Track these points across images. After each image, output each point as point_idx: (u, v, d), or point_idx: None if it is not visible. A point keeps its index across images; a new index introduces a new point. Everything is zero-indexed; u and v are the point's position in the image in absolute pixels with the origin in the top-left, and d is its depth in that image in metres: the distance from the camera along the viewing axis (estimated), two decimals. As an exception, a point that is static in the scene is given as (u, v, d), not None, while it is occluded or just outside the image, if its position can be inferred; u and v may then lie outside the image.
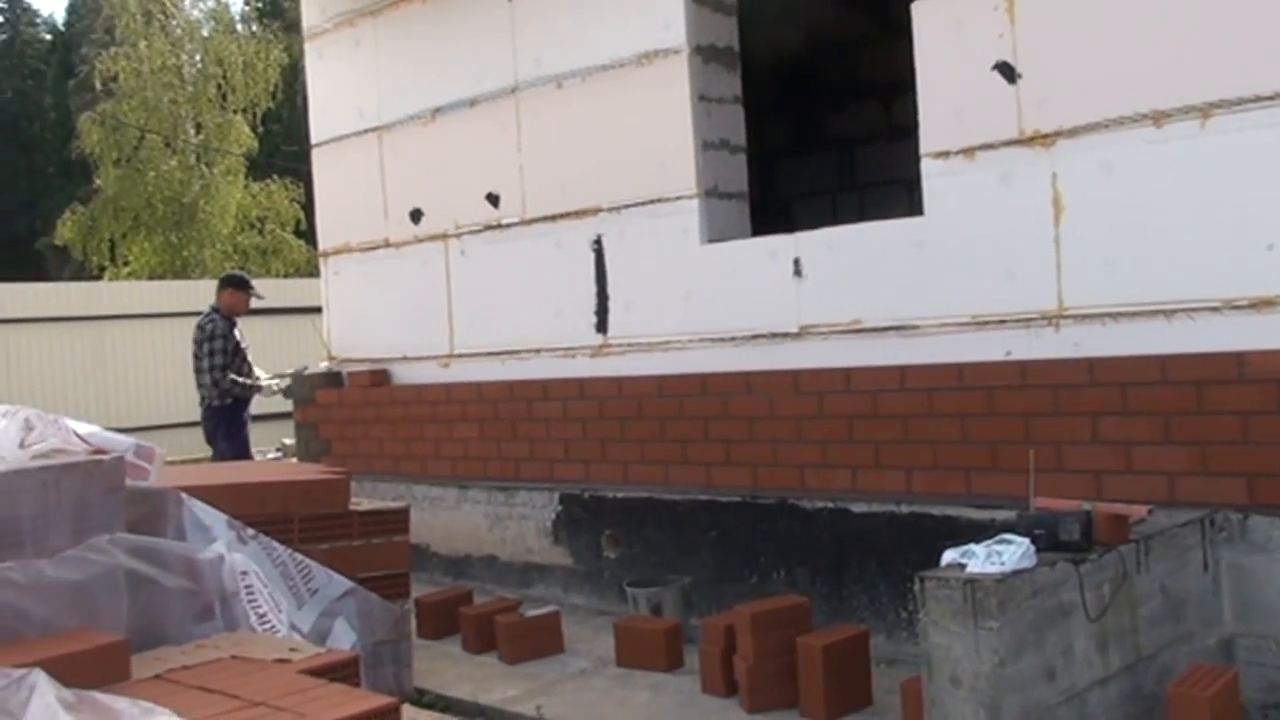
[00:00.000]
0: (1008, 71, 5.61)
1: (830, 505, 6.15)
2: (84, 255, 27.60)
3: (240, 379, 9.07)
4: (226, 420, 9.04)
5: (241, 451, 9.02)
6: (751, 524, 6.49)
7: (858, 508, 6.03)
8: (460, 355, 8.43)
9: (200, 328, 9.02)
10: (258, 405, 9.46)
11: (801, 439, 6.34)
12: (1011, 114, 5.61)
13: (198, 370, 8.99)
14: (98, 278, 27.08)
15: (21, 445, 3.85)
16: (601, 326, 7.47)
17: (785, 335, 6.53)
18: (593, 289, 7.55)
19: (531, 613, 6.58)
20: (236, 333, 9.21)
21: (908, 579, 5.16)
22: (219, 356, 8.94)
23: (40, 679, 3.01)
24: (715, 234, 6.96)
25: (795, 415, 6.38)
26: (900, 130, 8.26)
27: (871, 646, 5.43)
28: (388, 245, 8.90)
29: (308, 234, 27.33)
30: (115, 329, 15.84)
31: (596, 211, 7.46)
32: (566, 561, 7.50)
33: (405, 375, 8.82)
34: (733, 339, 6.76)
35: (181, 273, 26.45)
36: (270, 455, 9.94)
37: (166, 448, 12.07)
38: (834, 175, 9.66)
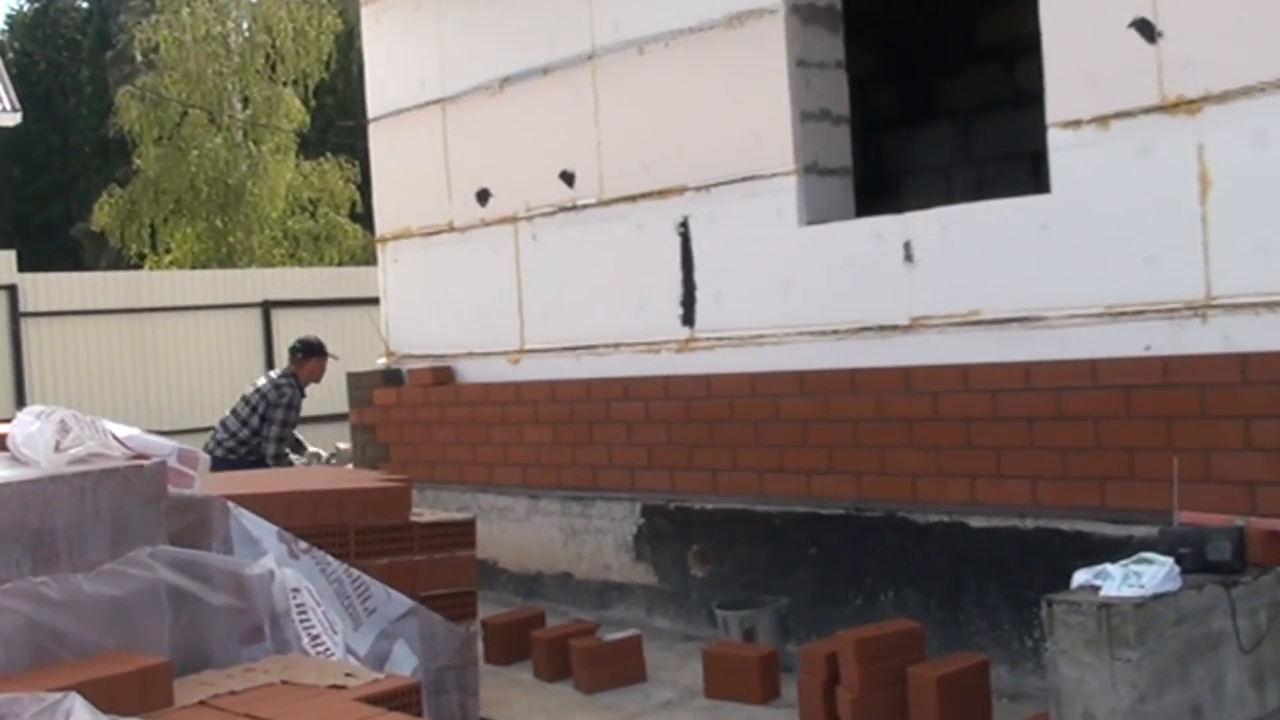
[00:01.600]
0: (1147, 29, 5.55)
1: (945, 519, 6.14)
2: (122, 242, 27.78)
3: (288, 451, 9.22)
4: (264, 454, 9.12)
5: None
6: (856, 539, 6.50)
7: (976, 522, 6.02)
8: (532, 351, 8.52)
9: (277, 389, 9.14)
10: (308, 406, 9.55)
11: (913, 444, 6.35)
12: (1151, 77, 5.56)
13: (252, 429, 9.05)
14: (137, 267, 27.31)
15: (57, 449, 3.89)
16: (688, 318, 7.54)
17: (894, 328, 6.53)
18: (678, 277, 7.59)
19: (610, 636, 6.58)
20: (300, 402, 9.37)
21: (1033, 603, 5.09)
22: (286, 429, 9.10)
23: (76, 704, 3.05)
24: (815, 215, 6.95)
25: (906, 418, 6.39)
26: (1024, 97, 8.16)
27: (992, 678, 5.36)
28: (452, 229, 8.99)
29: (364, 217, 27.12)
30: (156, 322, 15.99)
31: (682, 191, 7.51)
32: (649, 580, 7.58)
33: (471, 373, 8.89)
34: (835, 332, 6.77)
35: (227, 261, 26.67)
36: (323, 460, 9.63)
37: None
38: (948, 148, 9.58)
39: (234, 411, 9.22)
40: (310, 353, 9.40)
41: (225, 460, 8.88)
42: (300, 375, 9.29)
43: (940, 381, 6.26)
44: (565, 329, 8.32)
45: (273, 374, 9.46)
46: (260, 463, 8.93)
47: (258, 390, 9.21)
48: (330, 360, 9.51)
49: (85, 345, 15.43)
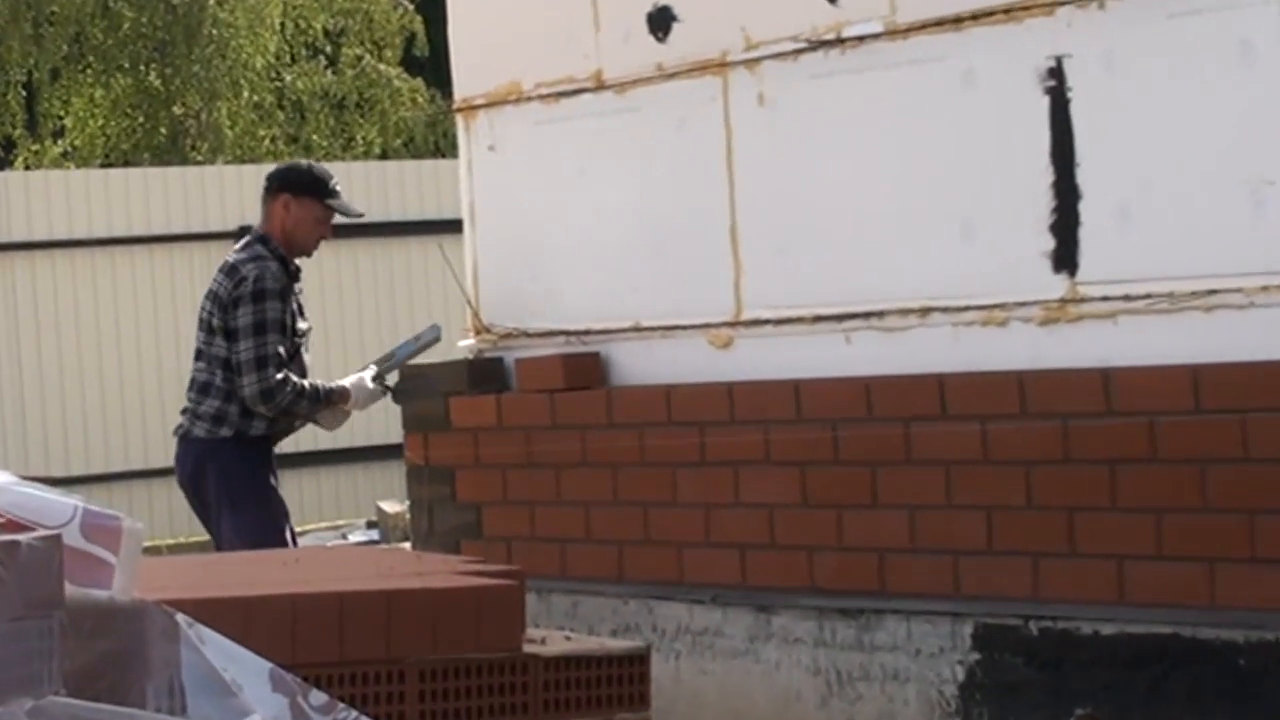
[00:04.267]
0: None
1: None
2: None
3: (308, 387, 8.65)
4: (237, 466, 8.59)
5: (269, 527, 8.61)
6: None
7: None
8: (756, 322, 8.00)
9: (234, 277, 8.50)
10: (304, 438, 9.03)
11: None
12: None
13: (209, 365, 8.58)
14: (3, 163, 25.61)
15: None
16: (1064, 258, 7.00)
17: None
18: (1044, 175, 7.09)
19: None
20: (296, 292, 8.80)
21: None
22: (272, 341, 8.56)
23: None
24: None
25: None
26: None
27: None
28: (600, 87, 8.51)
29: (430, 67, 26.17)
30: (35, 270, 15.81)
31: (1051, 6, 6.96)
32: (992, 775, 7.23)
33: (637, 366, 8.53)
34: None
35: (171, 151, 26.17)
36: (354, 537, 10.37)
37: (146, 517, 12.57)
38: None
39: (198, 353, 8.87)
40: (284, 185, 8.96)
41: (203, 443, 8.72)
42: (272, 231, 8.81)
43: None
44: (820, 278, 7.80)
45: (229, 257, 8.88)
46: (259, 440, 8.70)
47: (208, 296, 8.75)
48: (345, 216, 8.93)
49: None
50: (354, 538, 12.58)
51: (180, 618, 4.14)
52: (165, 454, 15.82)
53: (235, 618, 4.44)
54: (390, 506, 10.58)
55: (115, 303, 16.50)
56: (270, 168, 17.95)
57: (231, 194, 16.53)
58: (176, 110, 26.43)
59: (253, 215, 16.03)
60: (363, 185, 16.36)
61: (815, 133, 7.87)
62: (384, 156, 25.76)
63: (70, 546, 3.99)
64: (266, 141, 26.57)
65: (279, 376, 8.65)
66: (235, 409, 8.80)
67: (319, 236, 9.07)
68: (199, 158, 25.11)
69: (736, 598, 7.88)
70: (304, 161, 9.32)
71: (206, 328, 8.82)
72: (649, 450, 8.23)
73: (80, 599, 4.00)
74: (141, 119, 26.40)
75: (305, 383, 8.86)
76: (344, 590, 5.08)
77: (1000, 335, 7.20)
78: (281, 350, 8.72)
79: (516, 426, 8.77)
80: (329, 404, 9.03)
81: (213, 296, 8.80)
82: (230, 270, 8.78)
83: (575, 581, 8.44)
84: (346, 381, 9.20)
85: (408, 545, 9.66)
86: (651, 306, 8.42)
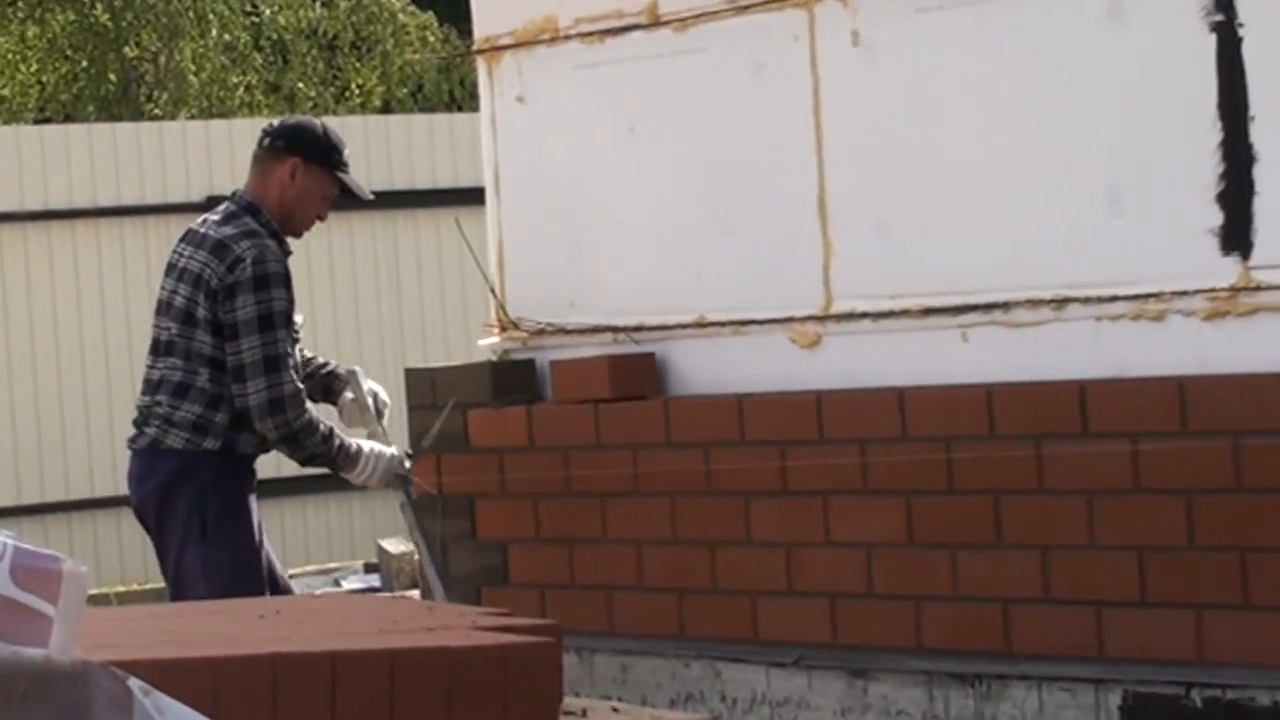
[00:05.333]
0: None
1: None
2: None
3: (325, 426, 8.70)
4: (220, 486, 8.43)
5: (248, 568, 8.48)
6: None
7: None
8: (847, 316, 7.95)
9: (220, 252, 8.37)
10: (287, 460, 8.81)
11: None
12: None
13: (188, 363, 8.45)
14: None
15: None
16: (1235, 234, 6.95)
17: None
18: (1209, 132, 7.06)
19: None
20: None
21: None
22: (281, 338, 8.54)
23: None
24: None
25: None
26: None
27: None
28: (655, 23, 8.47)
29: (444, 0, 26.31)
30: None
31: None
32: None
33: (700, 368, 8.48)
34: None
35: (122, 103, 26.34)
36: (350, 583, 10.41)
37: (91, 558, 12.73)
38: None
39: (156, 345, 8.77)
40: (302, 147, 8.68)
41: (181, 457, 8.45)
42: (272, 205, 8.76)
43: None
44: (930, 261, 7.76)
45: (208, 230, 8.88)
46: (245, 459, 8.56)
47: (179, 276, 8.51)
48: (356, 197, 8.89)
49: None
50: (349, 584, 12.67)
51: (134, 683, 3.87)
52: (114, 480, 16.14)
53: (202, 683, 4.25)
54: (394, 545, 10.65)
55: (52, 291, 16.32)
56: (246, 124, 17.67)
57: (197, 156, 16.16)
58: (128, 52, 26.14)
59: (223, 183, 16.13)
60: (360, 145, 15.48)
61: (922, 80, 7.73)
62: (386, 109, 25.51)
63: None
64: (240, 90, 26.26)
65: (298, 385, 8.54)
66: (223, 417, 8.45)
67: (316, 217, 8.91)
68: (156, 111, 24.85)
69: (826, 659, 7.74)
70: (315, 120, 9.23)
71: (182, 316, 8.41)
72: (716, 476, 8.10)
73: (9, 659, 3.78)
74: (85, 63, 26.09)
75: (322, 421, 8.71)
76: (337, 649, 4.77)
77: (1155, 332, 7.06)
78: (285, 348, 8.59)
79: (552, 446, 8.64)
80: (339, 459, 8.78)
81: (192, 279, 8.40)
82: (218, 247, 8.43)
83: (625, 639, 8.32)
84: (366, 445, 8.95)
85: (416, 593, 9.62)
86: (719, 296, 8.25)
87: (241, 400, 8.43)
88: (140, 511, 8.89)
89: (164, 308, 8.62)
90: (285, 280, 8.50)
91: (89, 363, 16.29)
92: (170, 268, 8.61)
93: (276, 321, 8.42)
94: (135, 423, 8.73)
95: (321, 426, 8.59)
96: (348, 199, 10.34)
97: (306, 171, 8.63)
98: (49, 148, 16.81)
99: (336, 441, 8.64)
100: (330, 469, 8.86)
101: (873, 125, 7.90)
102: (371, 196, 9.28)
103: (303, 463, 8.82)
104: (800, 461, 7.85)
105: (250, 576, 8.55)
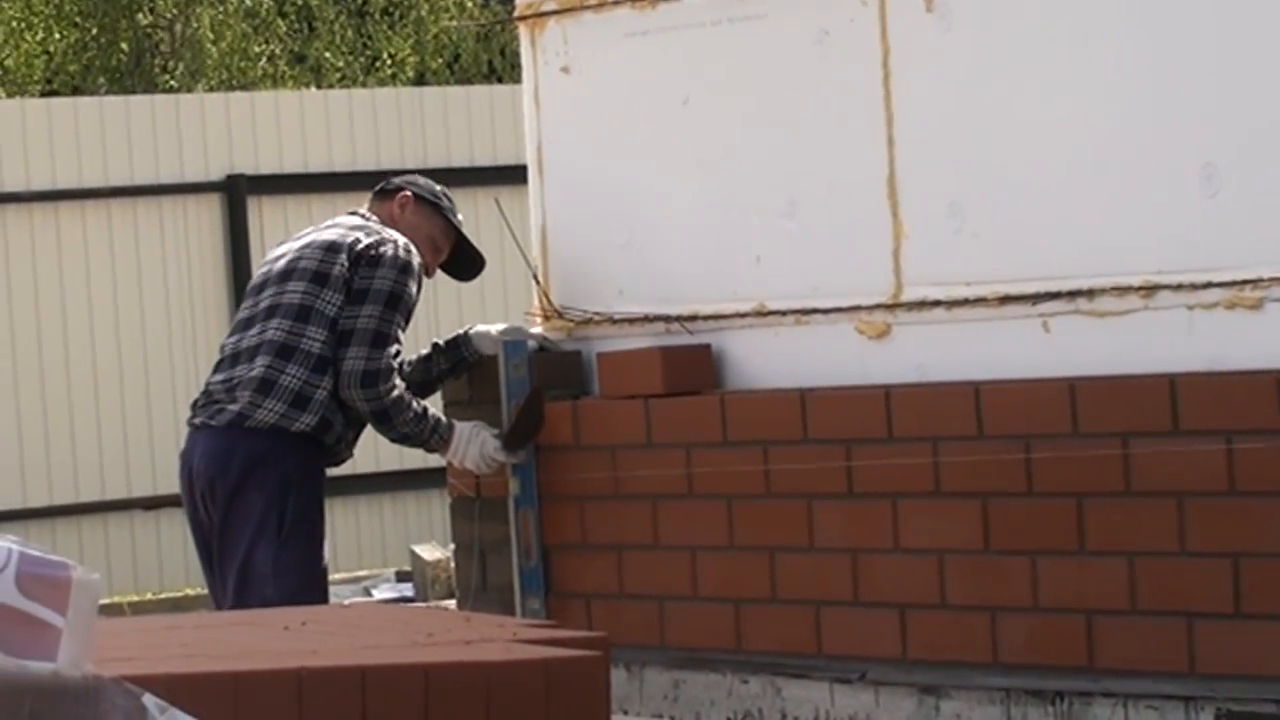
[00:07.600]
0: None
1: None
2: None
3: (419, 405, 8.91)
4: (305, 475, 8.61)
5: (316, 572, 8.66)
6: None
7: None
8: (919, 304, 7.86)
9: (368, 234, 8.67)
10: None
11: None
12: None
13: (306, 324, 8.58)
14: None
15: None
16: None
17: None
18: None
19: None
20: None
21: None
22: (399, 323, 8.76)
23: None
24: None
25: None
26: None
27: None
28: None
29: None
30: None
31: None
32: None
33: (760, 360, 8.42)
34: None
35: (131, 75, 25.16)
36: (381, 592, 10.58)
37: (103, 565, 12.68)
38: None
39: (251, 319, 8.85)
40: (408, 185, 9.05)
41: (269, 436, 8.63)
42: (417, 235, 8.97)
43: None
44: (1008, 245, 7.71)
45: (343, 221, 9.02)
46: (330, 451, 8.81)
47: (320, 247, 8.81)
48: (470, 259, 9.12)
49: None
50: (380, 593, 12.72)
51: (148, 699, 4.08)
52: (127, 481, 16.01)
53: (223, 699, 4.42)
54: (428, 552, 10.69)
55: (60, 278, 16.25)
56: (269, 96, 17.68)
57: (216, 132, 16.07)
58: (142, 20, 26.00)
59: (244, 161, 16.49)
60: (392, 118, 16.01)
61: (1001, 49, 7.66)
62: (420, 81, 25.51)
63: (3, 604, 3.99)
64: (263, 61, 26.10)
65: (394, 362, 8.66)
66: (327, 387, 8.63)
67: (438, 252, 9.18)
68: (172, 83, 24.66)
69: (895, 675, 7.66)
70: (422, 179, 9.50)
71: (311, 275, 8.62)
72: (777, 476, 8.01)
73: (15, 674, 3.95)
74: (95, 30, 25.85)
75: (416, 400, 8.77)
76: (367, 664, 4.90)
77: (1253, 322, 7.00)
78: (396, 348, 8.74)
79: (599, 445, 8.59)
80: (431, 439, 8.88)
81: (326, 244, 8.70)
82: (359, 227, 8.77)
83: (678, 652, 8.28)
84: (460, 426, 8.95)
85: (452, 604, 9.87)
86: (780, 283, 8.15)
87: (341, 363, 8.74)
88: (203, 494, 8.79)
89: (280, 277, 8.80)
90: (420, 282, 8.79)
91: (100, 356, 16.28)
92: (282, 245, 9.00)
93: (401, 307, 8.68)
94: (210, 398, 8.83)
95: (415, 405, 8.80)
96: (456, 270, 10.36)
97: (417, 208, 8.99)
98: (56, 122, 16.77)
99: (431, 421, 8.83)
100: (424, 450, 9.15)
101: (947, 98, 7.82)
102: (484, 262, 9.47)
103: (395, 441, 9.03)
104: (867, 461, 7.81)
105: (319, 583, 8.75)
